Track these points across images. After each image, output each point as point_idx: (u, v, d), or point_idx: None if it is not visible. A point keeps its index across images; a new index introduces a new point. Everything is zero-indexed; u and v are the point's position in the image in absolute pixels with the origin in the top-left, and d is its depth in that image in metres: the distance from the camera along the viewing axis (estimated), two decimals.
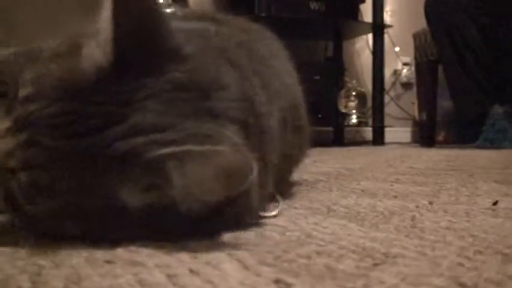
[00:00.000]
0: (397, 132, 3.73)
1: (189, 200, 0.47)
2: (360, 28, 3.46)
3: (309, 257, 0.47)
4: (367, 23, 3.35)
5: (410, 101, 3.74)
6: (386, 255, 0.48)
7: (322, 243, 0.52)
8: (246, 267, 0.43)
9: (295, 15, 3.12)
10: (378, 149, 2.96)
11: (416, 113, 3.51)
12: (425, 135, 3.19)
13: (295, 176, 1.25)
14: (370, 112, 3.45)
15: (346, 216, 0.69)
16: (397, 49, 3.77)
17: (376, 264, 0.45)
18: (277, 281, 0.39)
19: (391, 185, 1.04)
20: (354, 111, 3.38)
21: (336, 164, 1.71)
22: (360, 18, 3.35)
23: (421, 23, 2.95)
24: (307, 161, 1.86)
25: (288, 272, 0.42)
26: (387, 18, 3.58)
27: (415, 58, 3.22)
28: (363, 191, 0.95)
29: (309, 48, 3.59)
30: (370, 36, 3.51)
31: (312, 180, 1.19)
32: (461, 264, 0.44)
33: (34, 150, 0.50)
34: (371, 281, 0.39)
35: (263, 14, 3.01)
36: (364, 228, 0.60)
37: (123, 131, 0.49)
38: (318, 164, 1.75)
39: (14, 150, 0.50)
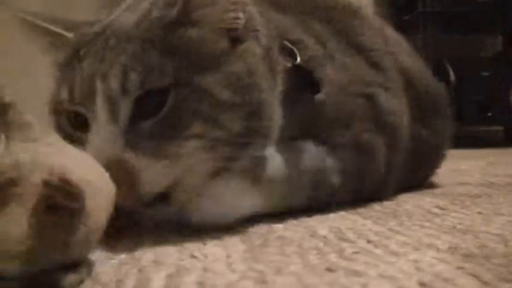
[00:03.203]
0: None
1: None
2: None
3: None
4: None
5: None
6: None
7: None
8: (485, 284, 0.39)
9: (461, 8, 2.96)
10: None
11: None
12: None
13: (477, 178, 1.17)
14: None
15: None
16: None
17: None
18: None
19: None
20: None
21: None
22: None
23: None
24: (481, 163, 1.76)
25: None
26: None
27: None
28: None
29: (475, 43, 3.38)
30: None
31: (501, 183, 1.09)
32: None
33: None
34: None
35: (428, 10, 2.89)
36: None
37: None
38: (496, 165, 1.62)
39: None
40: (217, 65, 0.59)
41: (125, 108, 0.56)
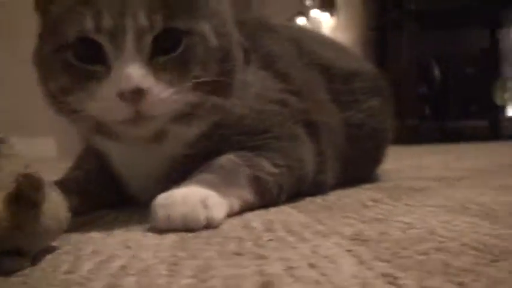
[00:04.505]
0: None
1: None
2: None
3: (426, 254, 0.48)
4: None
5: None
6: (508, 251, 0.48)
7: (443, 239, 0.53)
8: (361, 262, 0.46)
9: (447, 6, 3.01)
10: None
11: None
12: None
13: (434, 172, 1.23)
14: None
15: (478, 214, 0.67)
16: None
17: (494, 261, 0.45)
18: (385, 275, 0.41)
19: None
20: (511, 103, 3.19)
21: (485, 159, 1.64)
22: None
23: None
24: (449, 157, 1.82)
25: (400, 267, 0.43)
26: None
27: None
28: (505, 188, 0.92)
29: (461, 38, 3.44)
30: None
31: (453, 176, 1.16)
32: None
33: None
34: (481, 276, 0.40)
35: (413, 7, 2.95)
36: (496, 226, 0.59)
37: None
38: (462, 159, 1.69)
39: None
40: (204, 15, 0.72)
41: (148, 43, 0.67)
